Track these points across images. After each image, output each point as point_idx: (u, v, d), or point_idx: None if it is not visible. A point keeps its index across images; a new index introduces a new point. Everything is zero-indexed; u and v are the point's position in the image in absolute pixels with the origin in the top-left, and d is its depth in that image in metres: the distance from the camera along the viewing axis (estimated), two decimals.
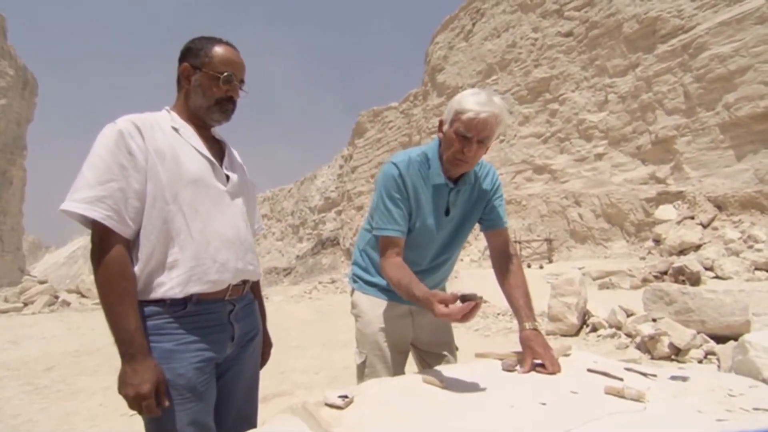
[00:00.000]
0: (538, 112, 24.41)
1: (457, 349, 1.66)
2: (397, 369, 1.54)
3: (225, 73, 1.20)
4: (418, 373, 1.26)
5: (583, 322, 5.51)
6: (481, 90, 1.32)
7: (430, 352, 1.61)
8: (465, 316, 1.02)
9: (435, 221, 1.45)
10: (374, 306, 1.56)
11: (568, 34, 23.46)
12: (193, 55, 1.21)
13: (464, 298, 1.06)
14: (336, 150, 57.91)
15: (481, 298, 1.05)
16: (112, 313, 1.02)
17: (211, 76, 1.19)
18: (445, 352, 1.61)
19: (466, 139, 1.30)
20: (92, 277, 1.09)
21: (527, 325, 1.31)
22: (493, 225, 1.54)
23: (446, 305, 1.06)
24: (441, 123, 1.40)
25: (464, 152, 1.32)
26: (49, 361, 5.06)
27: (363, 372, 1.54)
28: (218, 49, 1.21)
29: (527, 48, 25.47)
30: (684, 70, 18.02)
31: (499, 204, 1.54)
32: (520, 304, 1.38)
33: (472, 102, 1.28)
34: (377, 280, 1.57)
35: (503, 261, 1.50)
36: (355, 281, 1.66)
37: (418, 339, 1.60)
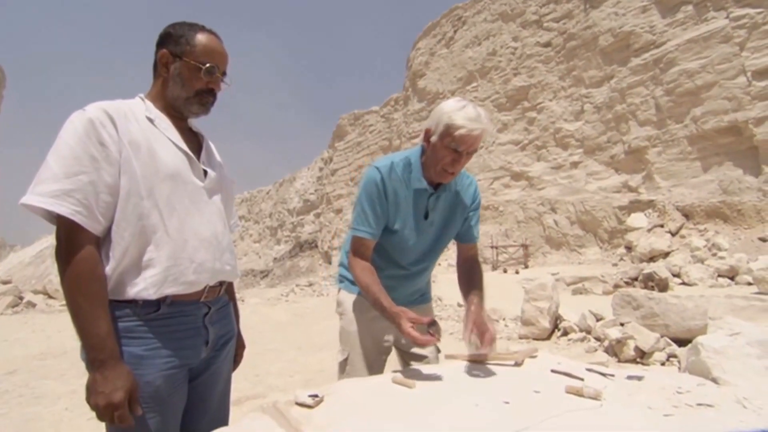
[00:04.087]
0: (516, 119, 24.89)
1: (439, 351, 1.69)
2: (378, 368, 1.58)
3: (207, 64, 1.13)
4: (391, 373, 1.29)
5: (555, 326, 5.65)
6: (466, 102, 1.36)
7: (412, 353, 1.64)
8: (425, 343, 1.20)
9: (414, 224, 1.50)
10: (359, 305, 1.59)
11: (547, 44, 24.05)
12: (174, 41, 1.13)
13: (432, 325, 1.21)
14: (316, 152, 57.64)
15: (439, 338, 1.21)
16: (81, 317, 0.95)
17: (192, 66, 1.12)
18: (427, 354, 1.63)
19: (457, 153, 1.35)
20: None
21: (473, 306, 1.39)
22: (465, 239, 1.61)
23: (413, 325, 1.21)
24: (427, 133, 1.41)
25: (454, 165, 1.37)
26: (11, 364, 4.87)
27: (344, 370, 1.57)
28: (201, 38, 1.14)
29: (507, 56, 25.98)
30: (655, 83, 18.73)
31: (475, 218, 1.60)
32: (471, 291, 1.47)
33: (462, 118, 1.31)
34: None
35: (468, 268, 1.58)
36: (341, 281, 1.70)
37: (400, 340, 1.63)
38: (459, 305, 8.76)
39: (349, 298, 1.62)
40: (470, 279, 1.54)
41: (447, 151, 1.35)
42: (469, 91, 27.71)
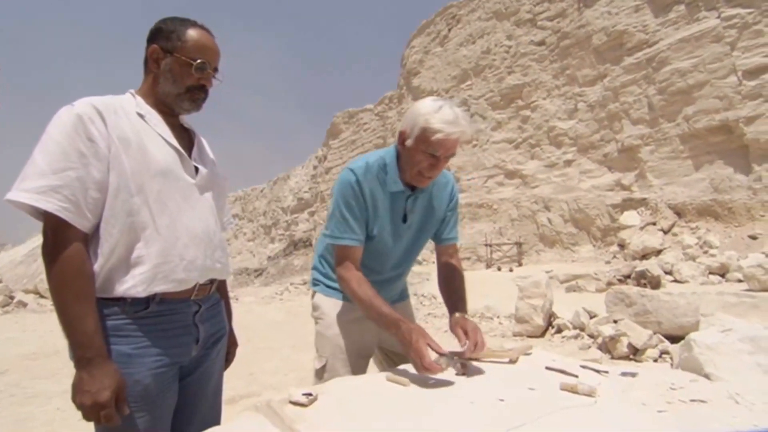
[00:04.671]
0: (510, 118, 24.94)
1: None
2: (360, 373, 1.53)
3: (198, 60, 1.11)
4: (383, 371, 1.29)
5: (549, 324, 5.68)
6: (443, 102, 1.29)
7: (399, 353, 1.58)
8: (431, 369, 1.11)
9: (392, 228, 1.44)
10: (337, 308, 1.52)
11: (541, 43, 24.10)
12: (164, 37, 1.11)
13: (445, 356, 1.17)
14: (310, 150, 57.44)
15: (443, 371, 1.16)
16: (68, 314, 0.93)
17: (182, 62, 1.11)
18: None
19: (434, 158, 1.29)
20: None
21: (457, 313, 1.37)
22: (443, 240, 1.56)
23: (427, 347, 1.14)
24: (402, 135, 1.34)
25: (432, 170, 1.32)
26: (3, 364, 4.81)
27: (322, 377, 1.48)
28: (192, 33, 1.12)
29: (501, 55, 26.01)
30: (648, 82, 18.84)
31: (453, 218, 1.55)
32: (455, 301, 1.44)
33: (439, 121, 1.24)
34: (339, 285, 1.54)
35: (448, 270, 1.54)
36: (315, 284, 1.62)
37: (386, 340, 1.57)
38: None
39: (325, 301, 1.55)
40: (450, 290, 1.48)
41: (424, 156, 1.29)
42: (464, 89, 27.73)
